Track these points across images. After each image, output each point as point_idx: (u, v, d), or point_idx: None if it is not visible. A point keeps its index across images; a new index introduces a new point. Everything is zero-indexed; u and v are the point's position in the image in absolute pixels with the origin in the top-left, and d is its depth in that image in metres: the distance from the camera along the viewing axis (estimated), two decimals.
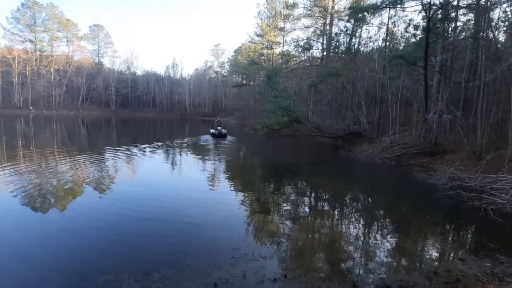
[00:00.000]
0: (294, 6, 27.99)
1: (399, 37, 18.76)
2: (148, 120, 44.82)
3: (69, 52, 58.57)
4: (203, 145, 16.13)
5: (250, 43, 41.57)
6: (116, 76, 62.68)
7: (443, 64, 12.22)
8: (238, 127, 32.76)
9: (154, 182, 7.81)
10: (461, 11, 12.84)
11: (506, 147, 8.65)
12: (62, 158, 10.34)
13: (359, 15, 15.67)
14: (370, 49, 20.05)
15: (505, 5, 11.47)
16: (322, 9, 24.97)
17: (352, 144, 15.09)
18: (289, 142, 19.10)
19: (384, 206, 6.70)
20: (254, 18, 47.01)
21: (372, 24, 18.58)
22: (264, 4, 35.83)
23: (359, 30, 19.07)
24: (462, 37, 13.13)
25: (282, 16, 32.60)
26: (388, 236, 4.81)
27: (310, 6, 26.11)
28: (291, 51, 31.77)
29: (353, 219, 5.70)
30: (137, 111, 62.25)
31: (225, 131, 19.83)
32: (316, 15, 26.26)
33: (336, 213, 6.05)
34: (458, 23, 13.32)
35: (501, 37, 12.64)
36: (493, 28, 11.01)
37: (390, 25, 16.92)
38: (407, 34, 16.03)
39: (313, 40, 27.28)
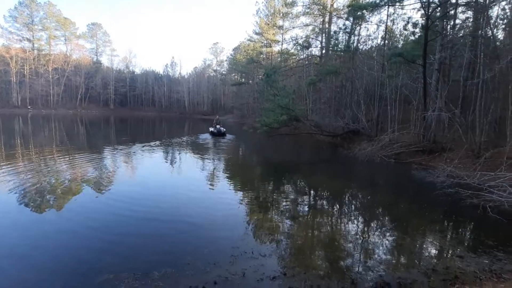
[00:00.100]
0: (293, 4, 27.96)
1: (398, 35, 18.77)
2: (147, 119, 44.72)
3: (67, 51, 58.29)
4: (202, 144, 16.12)
5: (249, 42, 41.46)
6: (115, 75, 62.42)
7: (441, 62, 12.23)
8: (237, 125, 32.73)
9: (153, 181, 7.80)
10: (460, 9, 12.85)
11: (504, 144, 8.67)
12: (60, 157, 10.32)
13: (358, 13, 15.67)
14: (369, 47, 20.05)
15: (503, 3, 11.48)
16: (321, 7, 24.93)
17: (351, 142, 15.12)
18: (288, 141, 19.11)
19: (383, 204, 6.72)
20: (253, 16, 46.93)
21: (371, 22, 18.64)
22: (263, 2, 35.75)
23: (358, 28, 19.09)
24: (461, 35, 13.13)
25: (281, 14, 32.55)
26: (387, 234, 4.83)
27: (309, 4, 26.08)
28: (290, 49, 31.73)
29: (352, 217, 5.72)
30: (136, 110, 62.06)
31: (224, 129, 19.83)
32: (315, 13, 26.23)
33: (335, 211, 6.07)
34: (457, 21, 13.33)
35: (500, 35, 12.65)
36: (491, 26, 11.02)
37: (389, 23, 16.92)
38: (406, 32, 16.05)
39: (312, 38, 27.24)
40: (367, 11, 15.62)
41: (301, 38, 27.73)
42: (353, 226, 5.18)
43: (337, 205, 6.51)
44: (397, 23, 17.58)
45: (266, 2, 34.78)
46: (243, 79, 46.68)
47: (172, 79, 68.24)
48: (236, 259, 3.61)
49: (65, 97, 55.61)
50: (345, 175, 9.73)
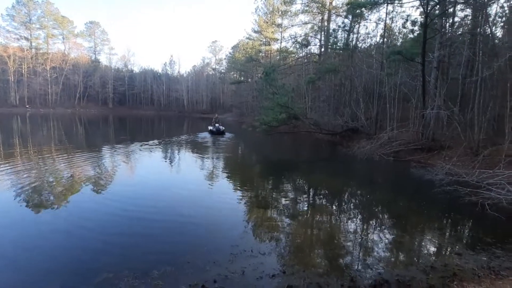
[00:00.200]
0: (291, 2, 27.80)
1: (397, 33, 18.77)
2: (146, 117, 44.63)
3: (65, 50, 58.02)
4: (201, 143, 16.11)
5: (247, 40, 41.29)
6: (113, 73, 62.20)
7: (440, 60, 12.24)
8: (236, 124, 32.72)
9: (152, 181, 7.79)
10: (458, 7, 12.83)
11: (502, 142, 8.70)
12: (59, 156, 10.29)
13: (357, 11, 15.62)
14: (368, 45, 20.06)
15: (502, 0, 11.51)
16: (320, 5, 24.84)
17: (350, 140, 15.13)
18: (287, 139, 19.11)
19: (382, 202, 6.74)
20: (252, 14, 46.75)
21: (370, 20, 18.64)
22: (261, 0, 35.45)
23: (357, 26, 19.06)
24: (459, 33, 13.13)
25: (280, 12, 32.41)
26: (386, 232, 4.84)
27: (307, 2, 25.97)
28: (289, 47, 31.64)
29: (351, 215, 5.73)
30: (135, 108, 61.90)
31: (223, 128, 19.81)
32: (314, 11, 26.15)
33: (334, 209, 6.08)
34: (456, 19, 13.33)
35: (498, 32, 12.68)
36: (490, 24, 11.02)
37: (388, 21, 16.91)
38: (404, 30, 16.04)
39: (311, 37, 27.19)
40: (366, 9, 15.59)
41: (300, 36, 27.69)
42: (352, 224, 5.19)
43: (336, 203, 6.52)
44: (396, 21, 17.60)
45: (265, 0, 34.67)
46: (242, 78, 46.60)
47: (171, 77, 68.04)
48: (235, 258, 3.62)
49: (64, 96, 55.41)
50: (344, 173, 9.74)
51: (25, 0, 51.55)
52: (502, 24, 12.20)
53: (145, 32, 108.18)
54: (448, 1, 12.03)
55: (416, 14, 19.47)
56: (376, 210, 6.19)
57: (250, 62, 35.20)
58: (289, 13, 30.31)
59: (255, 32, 37.96)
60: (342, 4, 22.97)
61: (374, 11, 16.56)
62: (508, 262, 3.69)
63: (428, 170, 8.87)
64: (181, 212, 5.34)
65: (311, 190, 7.64)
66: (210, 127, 20.35)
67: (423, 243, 4.50)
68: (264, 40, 37.25)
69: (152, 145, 14.13)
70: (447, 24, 13.01)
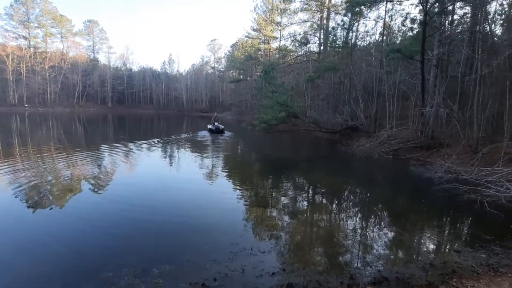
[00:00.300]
0: (290, 0, 27.72)
1: (396, 31, 18.70)
2: (145, 116, 44.56)
3: (63, 49, 57.73)
4: (200, 141, 16.10)
5: (246, 38, 41.17)
6: (112, 72, 62.01)
7: (439, 58, 12.24)
8: (235, 122, 32.70)
9: (151, 179, 7.80)
10: (457, 5, 12.80)
11: (501, 140, 8.71)
12: (59, 156, 10.27)
13: (356, 8, 15.59)
14: (367, 43, 20.02)
15: None
16: (319, 3, 24.79)
17: (350, 138, 15.14)
18: (286, 137, 19.11)
19: (381, 200, 6.75)
20: (251, 12, 46.59)
21: (369, 18, 18.58)
22: None
23: (356, 24, 19.02)
24: (458, 30, 13.12)
25: (279, 10, 32.29)
26: (385, 230, 4.86)
27: (306, 0, 25.89)
28: (288, 45, 31.55)
29: (351, 213, 5.75)
30: (134, 107, 61.73)
31: (222, 126, 19.80)
32: (313, 9, 26.08)
33: (334, 207, 6.09)
34: (455, 17, 13.29)
35: (498, 30, 12.67)
36: (489, 22, 11.02)
37: (387, 19, 16.86)
38: (404, 28, 15.99)
39: (310, 35, 27.12)
40: (365, 7, 15.56)
41: (299, 34, 27.64)
42: (352, 222, 5.20)
43: (336, 201, 6.53)
44: (395, 19, 17.52)
45: None
46: (241, 76, 46.51)
47: (170, 76, 67.85)
48: (235, 256, 3.63)
49: (62, 95, 55.23)
50: (343, 172, 9.76)
51: None
52: (501, 21, 12.19)
53: (143, 30, 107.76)
54: None
55: (416, 12, 19.42)
56: (375, 208, 6.21)
57: (249, 60, 35.12)
58: (288, 11, 30.22)
59: (254, 30, 37.86)
60: (341, 2, 22.87)
61: (373, 9, 16.51)
62: (506, 259, 3.70)
63: (427, 168, 8.88)
64: (180, 210, 5.35)
65: (310, 188, 7.65)
66: (209, 126, 20.33)
67: (422, 241, 4.52)
68: (263, 38, 37.15)
69: (151, 144, 14.12)
70: (446, 22, 12.99)
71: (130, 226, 4.54)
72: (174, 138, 16.99)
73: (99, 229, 4.43)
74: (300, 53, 29.57)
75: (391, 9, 16.31)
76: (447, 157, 9.33)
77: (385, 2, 14.87)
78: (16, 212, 5.03)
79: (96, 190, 6.42)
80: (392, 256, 3.90)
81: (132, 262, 3.41)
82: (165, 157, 11.17)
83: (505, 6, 11.62)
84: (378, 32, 18.72)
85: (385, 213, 5.86)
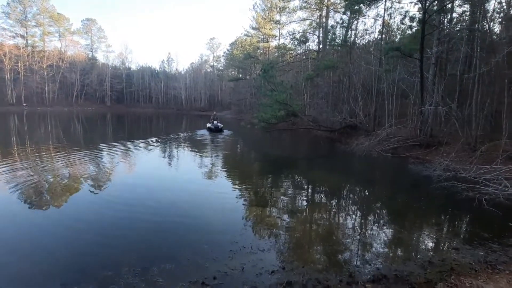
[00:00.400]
0: None
1: (395, 29, 18.68)
2: (144, 115, 44.46)
3: (61, 47, 57.46)
4: (199, 140, 16.09)
5: (245, 37, 41.09)
6: (111, 71, 61.76)
7: (438, 56, 12.24)
8: (234, 121, 32.66)
9: (150, 178, 7.79)
10: (456, 2, 12.80)
11: (500, 138, 8.74)
12: (57, 155, 10.25)
13: (355, 7, 15.57)
14: (366, 41, 20.01)
15: None
16: (318, 1, 24.73)
17: (349, 137, 15.16)
18: (286, 136, 19.12)
19: (380, 198, 6.77)
20: (250, 10, 46.43)
21: (368, 16, 18.48)
22: None
23: (355, 22, 18.99)
24: (457, 28, 13.12)
25: (278, 9, 32.27)
26: (384, 228, 4.88)
27: None
28: (287, 44, 31.46)
29: (350, 211, 5.76)
30: (133, 106, 61.57)
31: (221, 125, 19.79)
32: (312, 7, 26.02)
33: (333, 205, 6.11)
34: (454, 15, 13.28)
35: (496, 28, 12.67)
36: (488, 20, 11.02)
37: (386, 17, 16.84)
38: (403, 26, 15.92)
39: (309, 33, 27.04)
40: (364, 5, 15.54)
41: (298, 32, 27.53)
42: (351, 220, 5.22)
43: (335, 200, 6.55)
44: (394, 17, 17.51)
45: None
46: (240, 75, 46.46)
47: (168, 75, 67.66)
48: (235, 254, 3.64)
49: (61, 94, 55.02)
50: (342, 170, 9.78)
51: None
52: (500, 19, 12.18)
53: (142, 29, 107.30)
54: None
55: (415, 10, 19.35)
56: (375, 206, 6.23)
57: (248, 59, 35.04)
58: (287, 9, 30.21)
59: (253, 29, 37.80)
60: (340, 0, 22.86)
61: (373, 7, 16.50)
62: (504, 257, 3.73)
63: (426, 166, 8.91)
64: (180, 209, 5.35)
65: (309, 187, 7.66)
66: (208, 125, 20.31)
67: (421, 239, 4.54)
68: (262, 37, 37.10)
69: (150, 143, 14.10)
70: (445, 20, 12.99)
71: (129, 226, 4.54)
72: (173, 137, 16.98)
73: (98, 229, 4.43)
74: (299, 51, 29.52)
75: (390, 7, 16.30)
76: (445, 155, 9.36)
77: (384, 0, 14.86)
78: (14, 212, 5.02)
79: (94, 189, 6.41)
80: (391, 254, 3.92)
81: (132, 261, 3.41)
82: (164, 156, 11.17)
83: (504, 4, 11.63)
84: (377, 30, 18.72)
85: (384, 211, 5.88)
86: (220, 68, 64.63)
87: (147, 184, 7.08)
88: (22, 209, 5.16)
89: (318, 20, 26.41)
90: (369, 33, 19.62)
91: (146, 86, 64.44)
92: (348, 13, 18.05)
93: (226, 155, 12.06)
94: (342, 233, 4.53)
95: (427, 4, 10.97)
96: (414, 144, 11.44)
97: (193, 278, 3.10)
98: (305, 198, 6.49)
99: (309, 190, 7.28)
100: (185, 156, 11.52)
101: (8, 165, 8.33)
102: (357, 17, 18.28)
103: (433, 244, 4.31)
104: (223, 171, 9.00)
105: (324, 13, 25.38)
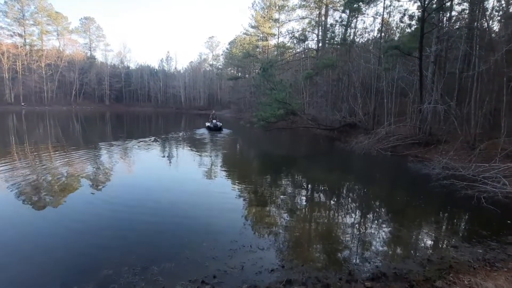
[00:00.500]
0: None
1: (394, 28, 18.71)
2: (143, 114, 44.37)
3: (60, 46, 57.20)
4: (199, 139, 16.08)
5: (244, 35, 41.07)
6: (109, 70, 61.52)
7: (437, 55, 12.25)
8: (234, 120, 32.64)
9: (150, 178, 7.79)
10: (456, 1, 12.80)
11: (498, 136, 8.77)
12: (56, 154, 10.23)
13: (355, 5, 15.55)
14: (365, 40, 20.01)
15: None
16: None
17: (348, 135, 15.18)
18: (285, 135, 19.13)
19: (380, 196, 6.79)
20: (249, 9, 46.30)
21: (368, 14, 18.53)
22: None
23: (355, 20, 18.95)
24: (456, 27, 13.11)
25: (277, 7, 32.22)
26: (384, 226, 4.89)
27: None
28: (286, 42, 31.50)
29: (349, 210, 5.78)
30: (132, 105, 61.44)
31: (220, 124, 19.78)
32: (311, 5, 25.99)
33: (333, 204, 6.12)
34: (453, 13, 13.29)
35: (495, 26, 12.67)
36: (487, 18, 11.02)
37: (385, 16, 16.86)
38: (402, 25, 15.99)
39: (308, 32, 27.04)
40: (363, 4, 15.52)
41: (298, 31, 27.55)
42: (350, 219, 5.23)
43: (334, 198, 6.56)
44: (394, 16, 17.53)
45: None
46: (240, 74, 46.40)
47: (167, 74, 67.52)
48: (234, 253, 3.65)
49: (59, 93, 54.83)
50: (342, 169, 9.79)
51: None
52: (499, 18, 12.19)
53: (140, 28, 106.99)
54: None
55: (414, 9, 19.37)
56: (374, 204, 6.24)
57: (247, 57, 35.00)
58: (286, 7, 30.19)
59: (252, 27, 37.75)
60: None
61: (372, 5, 16.49)
62: (503, 254, 3.75)
63: (425, 164, 8.93)
64: (179, 208, 5.35)
65: (309, 185, 7.67)
66: (207, 124, 20.31)
67: (420, 237, 4.56)
68: (261, 35, 37.05)
69: (149, 142, 14.09)
70: (445, 18, 12.98)
71: (129, 226, 4.54)
72: (172, 136, 16.97)
73: (97, 229, 4.43)
74: (298, 50, 29.54)
75: (389, 6, 16.32)
76: (444, 154, 9.38)
77: None
78: (13, 212, 5.01)
79: (93, 189, 6.41)
80: (390, 252, 3.93)
81: (132, 260, 3.41)
82: (163, 156, 11.16)
83: (503, 2, 11.63)
84: (376, 28, 18.70)
85: (383, 210, 5.89)
86: (219, 67, 64.55)
87: (146, 183, 7.08)
88: (21, 209, 5.15)
89: (317, 18, 26.39)
90: (368, 32, 19.65)
91: (145, 85, 64.30)
92: (348, 11, 18.01)
93: (225, 154, 12.06)
94: (342, 232, 4.54)
95: (426, 2, 10.96)
96: (413, 143, 11.47)
97: (193, 276, 3.11)
98: (305, 197, 6.50)
99: (309, 189, 7.30)
100: (184, 155, 11.51)
101: (6, 164, 8.31)
102: (356, 15, 18.25)
103: (432, 242, 4.33)
104: (223, 170, 9.00)
105: (323, 12, 25.35)
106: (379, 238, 4.36)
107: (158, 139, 15.19)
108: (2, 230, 4.32)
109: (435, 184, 6.93)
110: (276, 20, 33.69)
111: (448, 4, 12.52)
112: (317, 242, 4.20)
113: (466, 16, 12.90)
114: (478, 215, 5.38)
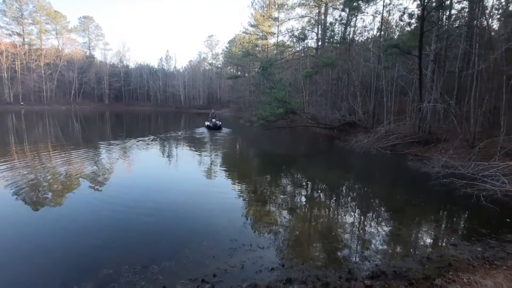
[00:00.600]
0: None
1: (394, 26, 18.68)
2: (143, 114, 44.31)
3: (59, 45, 56.98)
4: (198, 138, 16.07)
5: (244, 34, 40.95)
6: (109, 69, 61.42)
7: (437, 53, 12.24)
8: (233, 119, 32.61)
9: (150, 177, 7.78)
10: None
11: (498, 134, 8.78)
12: (56, 154, 10.22)
13: (354, 3, 15.52)
14: (365, 38, 19.97)
15: None
16: None
17: (348, 134, 15.19)
18: (285, 134, 19.13)
19: (379, 195, 6.80)
20: (248, 7, 46.20)
21: (367, 13, 18.51)
22: None
23: (354, 19, 18.93)
24: (456, 25, 13.09)
25: (276, 6, 32.13)
26: (383, 224, 4.90)
27: None
28: (286, 41, 31.47)
29: (349, 208, 5.79)
30: (131, 105, 61.34)
31: (220, 123, 19.78)
32: (311, 4, 25.93)
33: (332, 202, 6.13)
34: (453, 11, 13.27)
35: (495, 25, 12.65)
36: (487, 16, 11.01)
37: (385, 14, 16.81)
38: (402, 23, 15.93)
39: (308, 30, 27.00)
40: (363, 2, 15.49)
41: (297, 30, 27.52)
42: (350, 217, 5.24)
43: (334, 197, 6.57)
44: (393, 14, 17.47)
45: None
46: (239, 72, 46.32)
47: (167, 73, 67.43)
48: (234, 252, 3.65)
49: (59, 92, 54.72)
50: (341, 167, 9.80)
51: None
52: (498, 16, 12.17)
53: (140, 27, 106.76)
54: None
55: (413, 7, 19.33)
56: (373, 203, 6.25)
57: (247, 56, 34.93)
58: (285, 6, 30.09)
59: (252, 26, 37.63)
60: None
61: (371, 4, 16.43)
62: (502, 252, 3.76)
63: (425, 163, 8.94)
64: (179, 207, 5.36)
65: (309, 184, 7.68)
66: (207, 123, 20.30)
67: (419, 235, 4.57)
68: (260, 34, 36.95)
69: (148, 141, 14.08)
70: (444, 16, 12.96)
71: (128, 225, 4.54)
72: (172, 135, 16.96)
73: (97, 228, 4.43)
74: (298, 48, 29.49)
75: (389, 4, 16.29)
76: (444, 152, 9.40)
77: None
78: (12, 211, 5.01)
79: (93, 188, 6.40)
80: (389, 250, 3.94)
81: (132, 259, 3.42)
82: (162, 155, 11.15)
83: (502, 0, 11.62)
84: (376, 27, 18.64)
85: (382, 208, 5.90)
86: (219, 65, 64.49)
87: (145, 183, 7.08)
88: (20, 209, 5.14)
89: (316, 17, 26.35)
90: (368, 30, 19.62)
91: (145, 84, 64.21)
92: (347, 10, 17.98)
93: (225, 153, 12.06)
94: (341, 230, 4.55)
95: (426, 1, 10.94)
96: (412, 141, 11.48)
97: (193, 275, 3.12)
98: (304, 196, 6.50)
99: (308, 188, 7.30)
100: (184, 155, 11.51)
101: (6, 164, 8.30)
102: (355, 14, 18.22)
103: (432, 240, 4.34)
104: (222, 169, 9.00)
105: (322, 10, 25.32)
106: (378, 236, 4.36)
107: (158, 138, 15.18)
108: (2, 230, 4.32)
109: (434, 183, 6.94)
110: (276, 19, 33.60)
111: (448, 2, 12.50)
112: (317, 241, 4.21)
113: (465, 14, 12.88)
114: (478, 213, 5.39)
